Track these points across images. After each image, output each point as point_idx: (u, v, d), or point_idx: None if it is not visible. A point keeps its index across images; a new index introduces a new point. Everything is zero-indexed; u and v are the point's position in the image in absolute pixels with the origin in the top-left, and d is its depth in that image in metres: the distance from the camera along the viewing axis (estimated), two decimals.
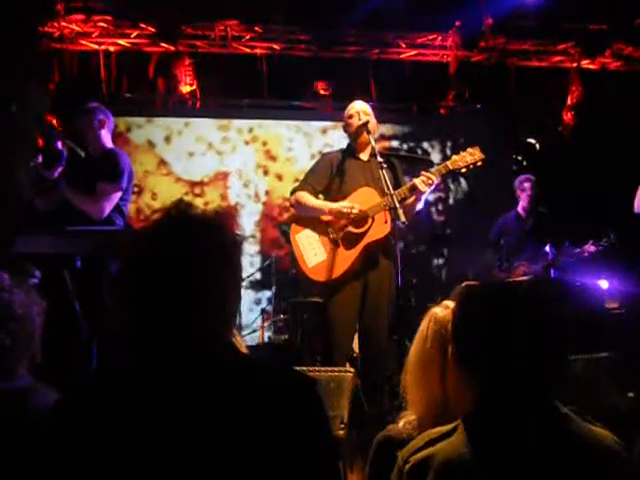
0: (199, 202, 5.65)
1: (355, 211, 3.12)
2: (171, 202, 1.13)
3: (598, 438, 1.12)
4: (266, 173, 6.00)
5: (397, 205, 2.93)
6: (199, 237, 1.08)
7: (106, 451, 0.98)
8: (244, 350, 1.43)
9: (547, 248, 4.37)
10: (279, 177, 5.97)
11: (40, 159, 2.98)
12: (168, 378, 1.03)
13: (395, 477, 1.15)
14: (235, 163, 5.97)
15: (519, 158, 4.81)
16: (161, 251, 1.06)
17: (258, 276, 5.78)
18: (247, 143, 6.00)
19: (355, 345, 3.44)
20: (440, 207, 6.16)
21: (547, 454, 1.08)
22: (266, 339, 5.19)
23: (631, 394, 2.36)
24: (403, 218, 2.86)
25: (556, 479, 1.07)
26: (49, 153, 3.00)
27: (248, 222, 5.91)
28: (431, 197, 5.76)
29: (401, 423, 1.60)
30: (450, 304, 1.67)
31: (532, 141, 5.02)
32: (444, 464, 1.08)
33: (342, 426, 2.00)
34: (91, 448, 0.99)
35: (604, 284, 4.48)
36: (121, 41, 5.21)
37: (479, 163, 3.19)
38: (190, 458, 0.97)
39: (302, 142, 6.04)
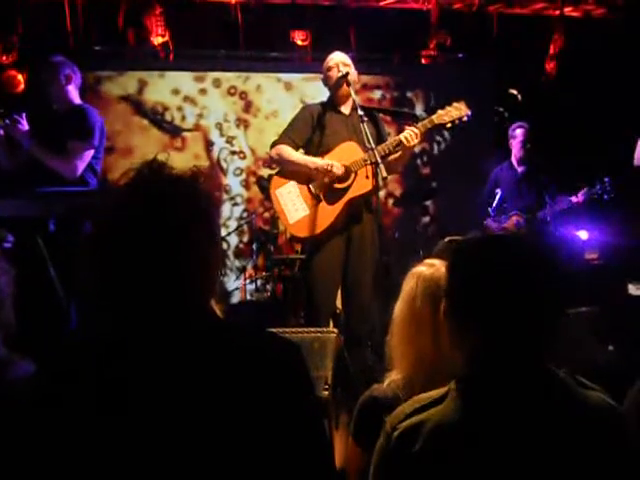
0: (180, 156, 5.52)
1: (337, 171, 3.05)
2: (143, 161, 1.08)
3: (593, 401, 1.10)
4: (247, 127, 5.86)
5: (379, 160, 2.87)
6: (173, 199, 1.03)
7: (87, 420, 0.96)
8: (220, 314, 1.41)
9: (546, 198, 4.33)
10: (260, 131, 5.83)
11: None
12: (147, 345, 1.00)
13: (382, 443, 1.13)
14: (214, 116, 5.80)
15: (500, 109, 4.73)
16: (132, 215, 1.01)
17: (241, 236, 5.72)
18: (225, 95, 5.83)
19: (338, 301, 3.44)
20: (425, 159, 6.11)
21: (542, 418, 1.07)
22: (248, 297, 5.18)
23: (611, 347, 2.39)
24: (385, 173, 2.81)
25: (551, 443, 1.05)
26: None
27: (234, 180, 5.81)
28: (416, 149, 5.70)
29: (386, 383, 1.60)
30: (435, 262, 1.65)
31: (514, 92, 4.93)
32: (434, 431, 1.06)
33: (326, 387, 2.00)
34: (72, 417, 0.96)
35: (584, 235, 4.51)
36: None
37: (464, 118, 3.15)
38: (171, 427, 0.95)
39: (282, 94, 5.89)
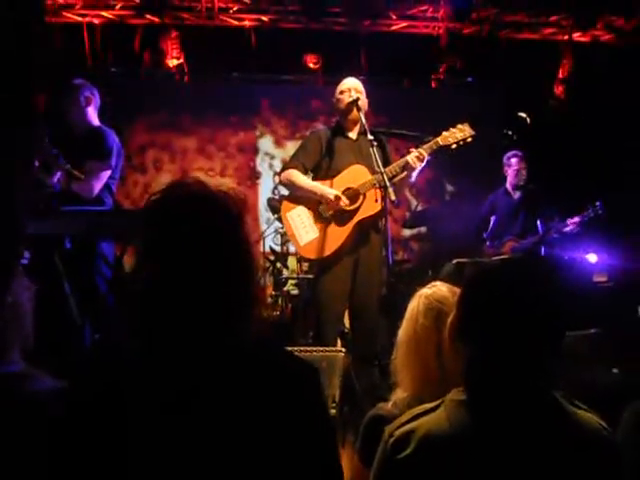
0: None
1: (343, 205, 3.11)
2: (178, 180, 1.12)
3: (584, 422, 1.13)
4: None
5: (388, 184, 2.92)
6: (207, 216, 1.07)
7: (120, 436, 0.99)
8: None
9: (538, 223, 4.40)
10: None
11: (37, 163, 2.92)
12: (178, 363, 1.02)
13: (380, 450, 1.17)
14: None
15: (509, 133, 4.79)
16: (177, 230, 1.05)
17: None
18: None
19: (346, 320, 3.47)
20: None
21: (529, 435, 1.09)
22: None
23: (615, 370, 2.40)
24: (393, 197, 2.86)
25: (536, 459, 1.08)
26: (46, 158, 2.92)
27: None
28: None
29: (391, 401, 1.63)
30: (436, 283, 1.69)
31: (523, 115, 4.98)
32: (425, 437, 1.10)
33: (333, 405, 2.03)
34: (106, 434, 0.99)
35: (593, 258, 4.52)
36: (105, 13, 5.10)
37: (469, 139, 3.20)
38: (196, 442, 0.98)
39: None
